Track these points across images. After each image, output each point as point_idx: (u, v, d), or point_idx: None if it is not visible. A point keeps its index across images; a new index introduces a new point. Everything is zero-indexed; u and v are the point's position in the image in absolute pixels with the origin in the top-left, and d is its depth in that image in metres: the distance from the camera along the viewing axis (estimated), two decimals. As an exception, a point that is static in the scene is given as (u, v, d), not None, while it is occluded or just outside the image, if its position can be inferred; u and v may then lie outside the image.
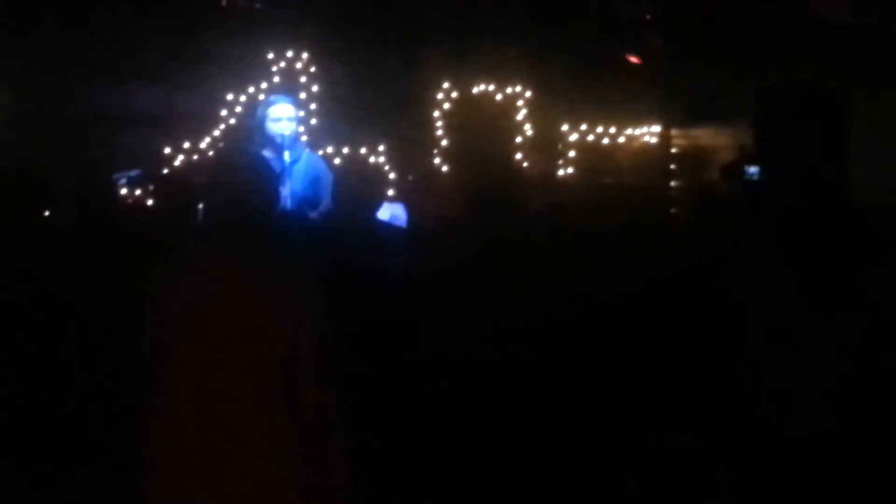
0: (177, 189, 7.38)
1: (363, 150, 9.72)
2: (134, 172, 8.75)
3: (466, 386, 5.65)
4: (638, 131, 11.18)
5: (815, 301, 4.69)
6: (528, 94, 10.54)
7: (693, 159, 11.23)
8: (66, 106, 10.01)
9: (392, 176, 9.43)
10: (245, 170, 4.52)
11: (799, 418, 4.63)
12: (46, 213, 6.42)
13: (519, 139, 10.45)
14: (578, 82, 10.80)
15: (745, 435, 4.74)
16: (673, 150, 11.39)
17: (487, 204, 6.49)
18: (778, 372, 4.70)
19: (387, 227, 6.87)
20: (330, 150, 9.54)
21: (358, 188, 6.44)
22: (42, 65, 9.98)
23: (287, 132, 8.23)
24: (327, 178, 7.85)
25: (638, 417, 5.76)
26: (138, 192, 8.85)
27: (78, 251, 6.25)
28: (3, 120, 9.56)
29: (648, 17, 11.59)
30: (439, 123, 10.38)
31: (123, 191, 8.66)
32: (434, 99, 10.41)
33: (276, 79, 9.74)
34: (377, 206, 6.64)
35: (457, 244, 6.23)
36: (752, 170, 5.60)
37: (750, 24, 10.67)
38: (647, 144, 11.26)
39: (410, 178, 9.13)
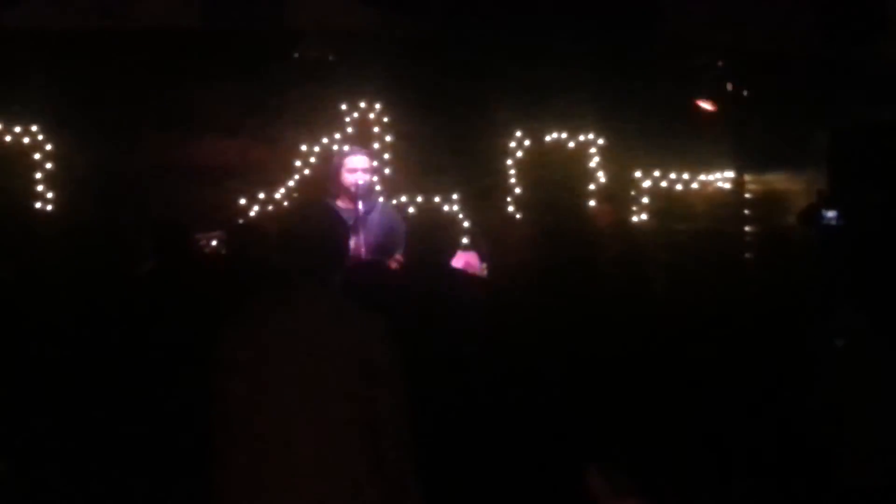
0: (251, 240, 7.45)
1: (437, 199, 9.75)
2: (216, 233, 8.87)
3: (544, 437, 5.63)
4: (712, 177, 11.12)
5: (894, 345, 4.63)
6: (600, 141, 10.53)
7: (767, 204, 11.16)
8: (145, 160, 10.16)
9: (466, 224, 9.44)
10: (317, 222, 4.54)
11: (877, 464, 4.56)
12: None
13: (592, 186, 10.44)
14: (651, 128, 10.78)
15: (821, 481, 4.68)
16: (747, 196, 11.31)
17: (562, 251, 6.49)
18: (855, 417, 4.64)
19: (461, 275, 6.88)
20: (404, 199, 9.58)
21: (432, 237, 6.46)
22: (122, 120, 10.15)
23: (361, 182, 8.28)
24: (401, 227, 7.88)
25: (713, 462, 5.70)
26: (214, 242, 8.95)
27: (155, 301, 6.34)
28: (84, 175, 9.72)
29: (721, 62, 11.55)
30: (512, 172, 10.39)
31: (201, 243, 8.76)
32: (507, 147, 10.43)
33: (350, 129, 9.82)
34: (451, 255, 6.65)
35: (532, 291, 6.22)
36: (830, 214, 5.55)
37: (822, 68, 10.62)
38: (721, 190, 11.20)
39: (486, 227, 9.16)
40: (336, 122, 9.85)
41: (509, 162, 10.41)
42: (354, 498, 4.14)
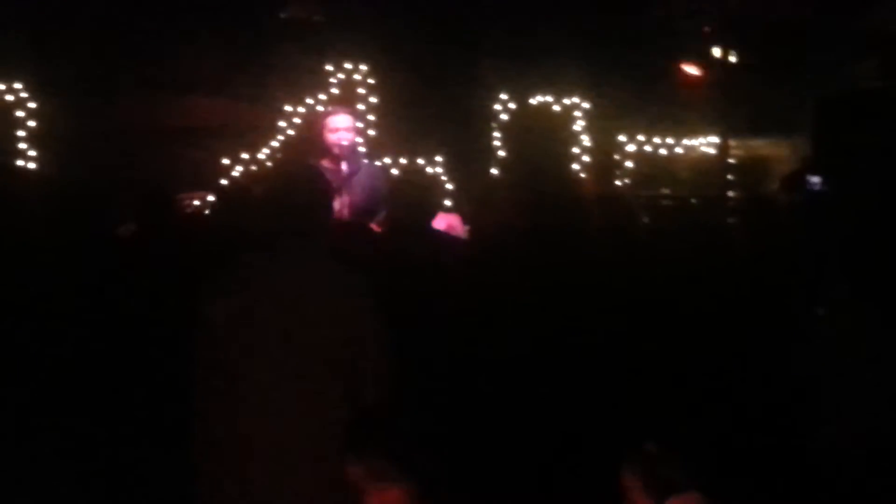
0: (234, 201, 7.43)
1: (420, 161, 9.73)
2: (198, 193, 8.85)
3: (523, 393, 5.64)
4: (696, 142, 11.12)
5: (878, 312, 4.64)
6: (585, 104, 10.51)
7: (751, 170, 11.16)
8: (129, 119, 10.12)
9: (449, 187, 9.44)
10: (300, 183, 4.54)
11: (860, 430, 4.58)
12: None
13: (576, 150, 10.43)
14: (636, 93, 10.77)
15: (804, 447, 4.70)
16: (731, 161, 11.32)
17: (544, 214, 6.48)
18: (839, 384, 4.66)
19: (442, 237, 6.88)
20: (387, 160, 9.56)
21: (415, 199, 6.45)
22: (103, 78, 10.10)
23: (345, 143, 8.25)
24: (385, 188, 7.87)
25: (692, 425, 5.71)
26: (197, 203, 8.93)
27: (138, 262, 6.32)
28: (66, 134, 9.67)
29: (707, 28, 11.53)
30: (497, 134, 10.38)
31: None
32: (492, 110, 10.41)
33: (335, 90, 9.78)
34: (433, 217, 6.65)
35: (514, 254, 6.22)
36: (815, 180, 5.54)
37: (809, 34, 10.61)
38: (706, 155, 11.20)
39: (470, 189, 9.16)
40: (321, 83, 9.81)
41: (494, 125, 10.40)
42: (336, 458, 4.15)
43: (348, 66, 9.83)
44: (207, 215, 8.52)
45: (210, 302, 4.31)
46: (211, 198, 8.92)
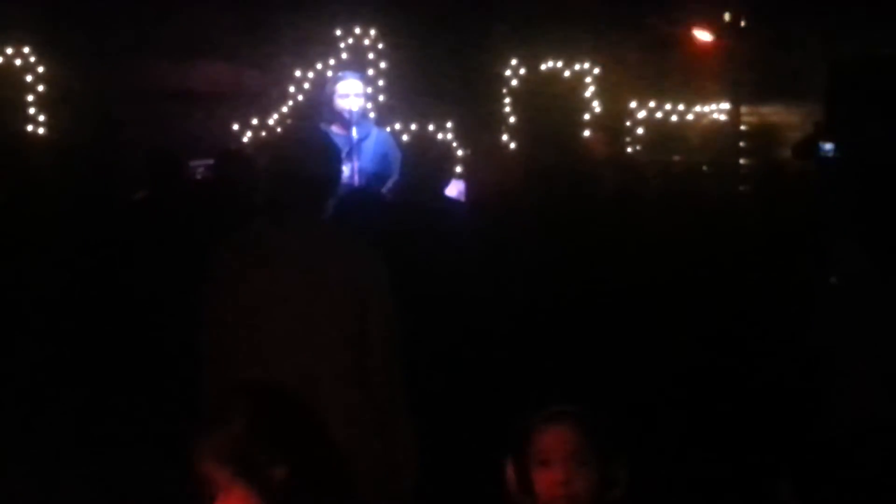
0: (242, 166, 7.42)
1: (431, 127, 9.70)
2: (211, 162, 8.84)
3: (530, 360, 5.63)
4: (707, 108, 11.08)
5: (892, 281, 4.60)
6: (596, 70, 10.47)
7: (763, 136, 11.12)
8: (137, 83, 10.10)
9: (460, 153, 9.41)
10: (310, 149, 4.51)
11: (876, 401, 4.55)
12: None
13: (587, 116, 10.40)
14: (647, 59, 10.73)
15: (814, 419, 4.67)
16: (742, 128, 11.29)
17: (553, 180, 6.46)
18: (854, 354, 4.62)
19: (453, 203, 6.86)
20: (398, 126, 9.53)
21: (426, 165, 6.43)
22: (112, 43, 10.07)
23: (355, 108, 8.21)
24: (395, 154, 7.84)
25: (702, 400, 5.70)
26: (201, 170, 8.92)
27: (148, 228, 6.32)
28: (75, 98, 9.66)
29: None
30: (507, 100, 10.35)
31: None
32: (502, 76, 10.37)
33: (344, 55, 9.75)
34: (445, 183, 6.63)
35: (518, 218, 6.20)
36: (827, 146, 5.49)
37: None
38: (717, 122, 11.16)
39: (471, 152, 9.15)
40: (331, 48, 9.78)
41: (504, 90, 10.37)
42: (341, 418, 4.15)
43: (358, 30, 9.80)
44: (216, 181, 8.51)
45: (219, 265, 4.29)
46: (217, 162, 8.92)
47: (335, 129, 7.95)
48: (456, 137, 9.70)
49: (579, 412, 3.24)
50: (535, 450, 3.22)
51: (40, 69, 9.65)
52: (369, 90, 8.93)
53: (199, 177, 8.67)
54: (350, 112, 8.12)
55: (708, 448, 5.48)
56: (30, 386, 5.53)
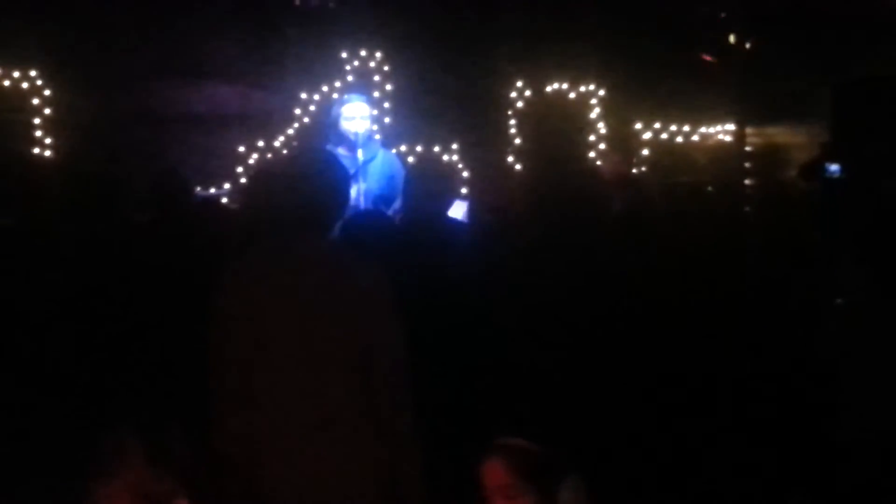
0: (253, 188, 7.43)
1: (436, 149, 9.72)
2: (220, 191, 8.88)
3: (535, 384, 5.62)
4: (713, 129, 11.10)
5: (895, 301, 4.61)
6: (601, 92, 10.50)
7: (768, 158, 11.13)
8: (142, 106, 10.13)
9: (465, 174, 9.43)
10: (317, 169, 4.50)
11: (881, 420, 4.55)
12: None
13: (592, 137, 10.42)
14: (652, 81, 10.75)
15: (820, 432, 4.67)
16: (748, 149, 11.30)
17: (559, 201, 6.46)
18: (858, 374, 4.63)
19: (457, 224, 6.86)
20: (403, 148, 9.55)
21: (430, 186, 6.43)
22: (118, 66, 10.11)
23: (361, 130, 8.23)
24: (401, 176, 7.86)
25: (709, 414, 5.70)
26: (213, 190, 8.94)
27: (154, 251, 6.32)
28: (83, 121, 9.69)
29: (723, 14, 11.50)
30: (512, 122, 10.38)
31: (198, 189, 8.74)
32: (507, 97, 10.40)
33: (350, 77, 9.78)
34: (448, 204, 6.63)
35: (523, 239, 6.20)
36: (833, 168, 5.50)
37: (826, 21, 10.57)
38: (722, 143, 11.18)
39: (476, 173, 9.17)
40: (336, 70, 9.81)
41: (510, 111, 10.39)
42: (345, 442, 4.14)
43: (363, 52, 9.83)
44: (223, 203, 8.52)
45: (223, 293, 4.26)
46: (227, 186, 8.94)
47: (341, 151, 7.97)
48: (461, 158, 9.72)
49: (510, 446, 3.24)
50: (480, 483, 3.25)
51: (46, 92, 9.68)
52: (375, 112, 8.95)
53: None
54: (356, 134, 8.14)
55: (719, 463, 5.48)
56: (35, 404, 5.53)
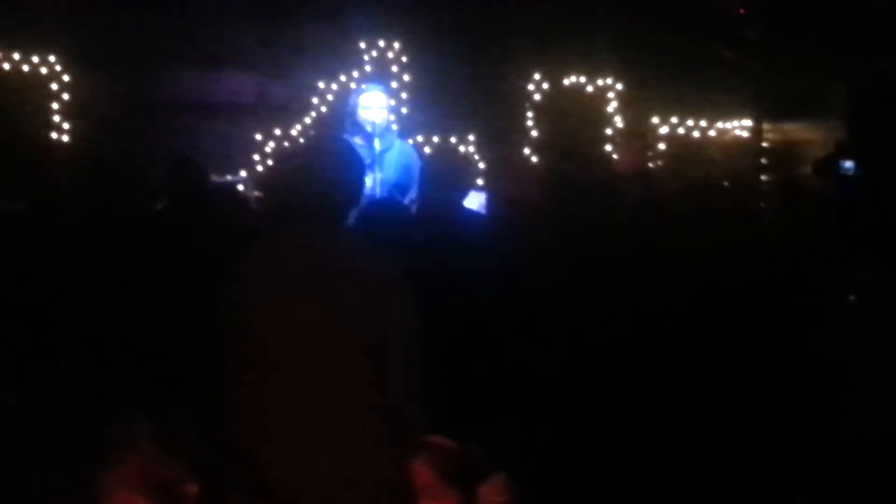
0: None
1: (453, 140, 9.73)
2: (236, 178, 8.89)
3: (552, 372, 5.64)
4: (729, 125, 11.08)
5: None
6: (619, 86, 10.49)
7: (784, 154, 11.12)
8: (162, 94, 10.16)
9: (481, 165, 9.44)
10: (334, 158, 4.51)
11: (885, 414, 4.55)
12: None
13: (609, 131, 10.41)
14: (670, 75, 10.74)
15: (829, 430, 4.68)
16: (764, 145, 11.27)
17: (575, 194, 6.47)
18: (869, 370, 4.63)
19: (471, 214, 6.87)
20: (420, 138, 9.56)
21: (445, 176, 6.44)
22: (137, 53, 10.13)
23: (378, 120, 8.24)
24: (417, 166, 7.87)
25: (722, 409, 5.70)
26: (228, 177, 8.96)
27: (168, 236, 6.35)
28: (100, 108, 9.72)
29: (742, 10, 11.47)
30: (530, 114, 10.38)
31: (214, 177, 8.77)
32: (525, 90, 10.40)
33: (368, 68, 9.79)
34: (464, 195, 6.64)
35: (540, 230, 6.21)
36: (848, 164, 5.50)
37: (844, 18, 10.54)
38: (739, 138, 11.16)
39: (492, 164, 9.17)
40: (354, 60, 9.82)
41: (527, 104, 10.39)
42: (356, 429, 4.14)
43: (381, 43, 9.84)
44: (238, 189, 8.55)
45: (237, 281, 4.27)
46: (243, 173, 8.97)
47: (357, 140, 7.98)
48: (478, 150, 9.73)
49: (434, 446, 3.26)
50: None
51: (65, 78, 9.71)
52: (392, 102, 8.96)
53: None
54: (373, 124, 8.15)
55: (726, 460, 5.48)
56: (45, 390, 5.56)
